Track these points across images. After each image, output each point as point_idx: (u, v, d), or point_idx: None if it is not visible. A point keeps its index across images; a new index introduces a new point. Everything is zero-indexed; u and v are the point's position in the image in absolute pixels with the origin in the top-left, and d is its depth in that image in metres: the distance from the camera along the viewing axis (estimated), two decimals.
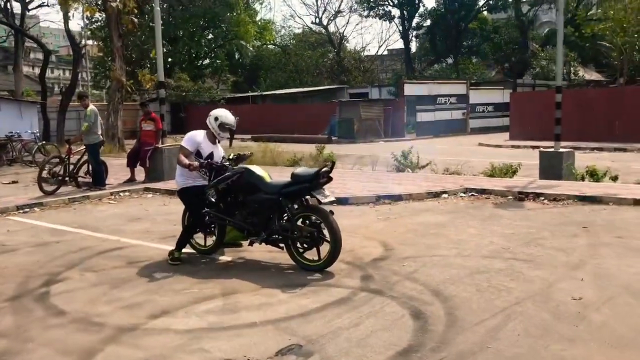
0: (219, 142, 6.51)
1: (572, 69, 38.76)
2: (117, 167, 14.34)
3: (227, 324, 4.45)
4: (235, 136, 25.47)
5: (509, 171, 12.02)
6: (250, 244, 6.22)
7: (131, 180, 12.43)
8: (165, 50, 30.72)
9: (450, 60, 49.39)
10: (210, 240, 6.62)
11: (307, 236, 5.82)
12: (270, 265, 6.09)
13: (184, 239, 6.37)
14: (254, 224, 6.11)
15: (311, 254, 5.89)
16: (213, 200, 6.27)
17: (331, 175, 5.89)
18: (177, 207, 8.93)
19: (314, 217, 5.90)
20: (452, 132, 31.98)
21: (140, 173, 12.59)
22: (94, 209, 9.95)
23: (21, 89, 31.43)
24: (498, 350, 3.86)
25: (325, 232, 5.78)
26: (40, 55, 29.84)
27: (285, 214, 5.97)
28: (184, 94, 37.40)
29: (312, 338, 4.11)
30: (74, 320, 4.61)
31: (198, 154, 6.30)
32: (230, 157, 6.52)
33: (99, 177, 11.51)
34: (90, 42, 42.30)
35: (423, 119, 31.91)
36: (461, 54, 48.81)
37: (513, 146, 23.49)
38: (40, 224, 8.60)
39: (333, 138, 28.36)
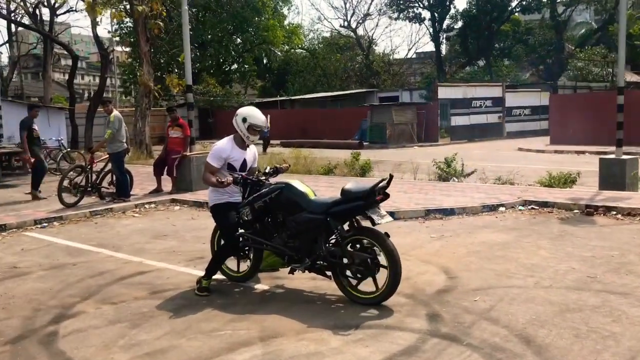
0: (248, 145, 5.61)
1: (612, 70, 37.17)
2: (143, 175, 13.68)
3: None
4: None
5: (568, 180, 10.91)
6: (291, 271, 5.32)
7: (157, 190, 11.68)
8: (193, 55, 30.18)
9: (481, 63, 48.01)
10: (245, 265, 5.76)
11: (359, 263, 4.93)
12: (314, 297, 5.20)
13: (214, 267, 5.47)
14: (296, 248, 5.22)
15: (363, 284, 4.99)
16: (248, 220, 5.41)
17: (388, 191, 4.99)
18: (206, 221, 8.14)
19: (366, 241, 5.00)
20: (488, 137, 30.78)
21: (167, 183, 11.83)
22: (116, 223, 9.20)
23: (50, 95, 31.20)
24: None
25: (381, 258, 4.88)
26: (71, 62, 29.51)
27: (333, 237, 5.08)
28: (211, 99, 36.88)
29: None
30: None
31: (230, 167, 5.44)
32: (267, 170, 5.66)
33: (123, 188, 10.77)
34: (118, 48, 42.13)
35: (457, 122, 30.76)
36: (493, 56, 47.36)
37: (556, 151, 22.20)
38: (58, 241, 7.85)
39: (364, 143, 27.42)
